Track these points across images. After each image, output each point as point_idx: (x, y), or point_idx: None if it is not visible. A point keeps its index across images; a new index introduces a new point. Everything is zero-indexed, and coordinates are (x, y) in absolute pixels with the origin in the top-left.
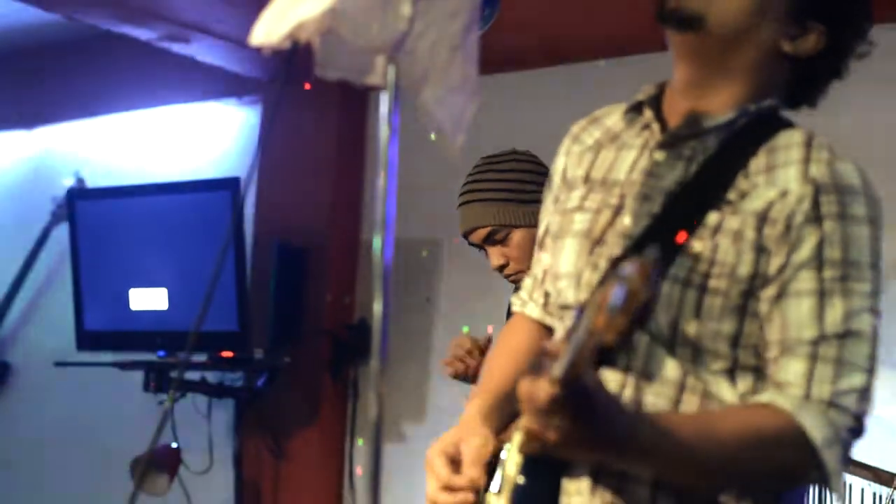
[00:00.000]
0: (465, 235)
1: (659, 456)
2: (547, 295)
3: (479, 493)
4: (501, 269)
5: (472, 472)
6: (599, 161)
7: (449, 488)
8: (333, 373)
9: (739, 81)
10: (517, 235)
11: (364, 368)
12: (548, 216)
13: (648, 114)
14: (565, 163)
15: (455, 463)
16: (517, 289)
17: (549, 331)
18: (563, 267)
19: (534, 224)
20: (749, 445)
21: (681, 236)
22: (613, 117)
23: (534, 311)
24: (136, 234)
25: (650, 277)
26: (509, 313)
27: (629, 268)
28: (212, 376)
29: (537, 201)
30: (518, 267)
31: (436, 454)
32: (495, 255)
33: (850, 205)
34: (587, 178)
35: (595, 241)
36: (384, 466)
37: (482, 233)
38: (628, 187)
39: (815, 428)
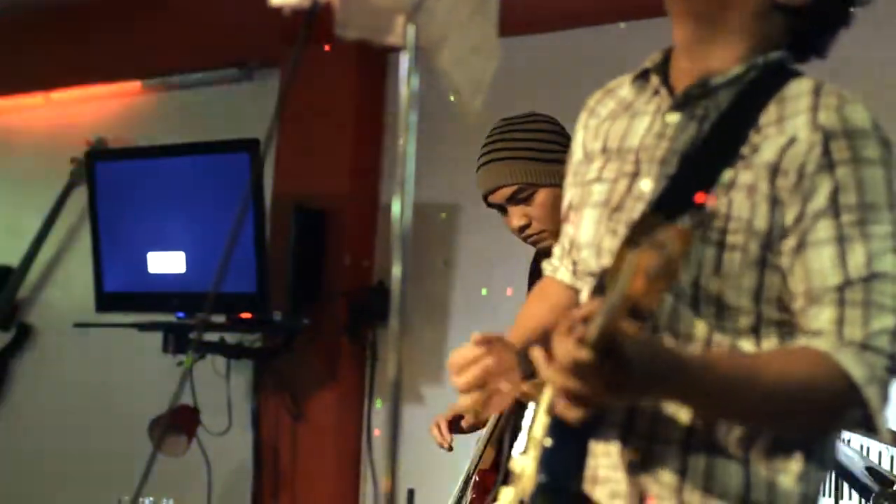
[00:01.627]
0: (486, 196)
1: (701, 395)
2: (575, 263)
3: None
4: (523, 229)
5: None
6: (614, 131)
7: (467, 363)
8: (352, 335)
9: (739, 37)
10: (541, 195)
11: (382, 331)
12: (569, 190)
13: (655, 80)
14: (583, 136)
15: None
16: (540, 252)
17: (579, 295)
18: (584, 237)
19: (556, 184)
20: (791, 383)
21: (700, 197)
22: (627, 87)
23: (565, 275)
24: (154, 195)
25: (690, 241)
26: (531, 279)
27: (669, 234)
28: (230, 338)
29: (559, 161)
30: (541, 227)
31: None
32: (517, 216)
33: (861, 148)
34: (604, 149)
35: (613, 209)
36: (402, 428)
37: (506, 192)
38: (643, 152)
39: (855, 367)
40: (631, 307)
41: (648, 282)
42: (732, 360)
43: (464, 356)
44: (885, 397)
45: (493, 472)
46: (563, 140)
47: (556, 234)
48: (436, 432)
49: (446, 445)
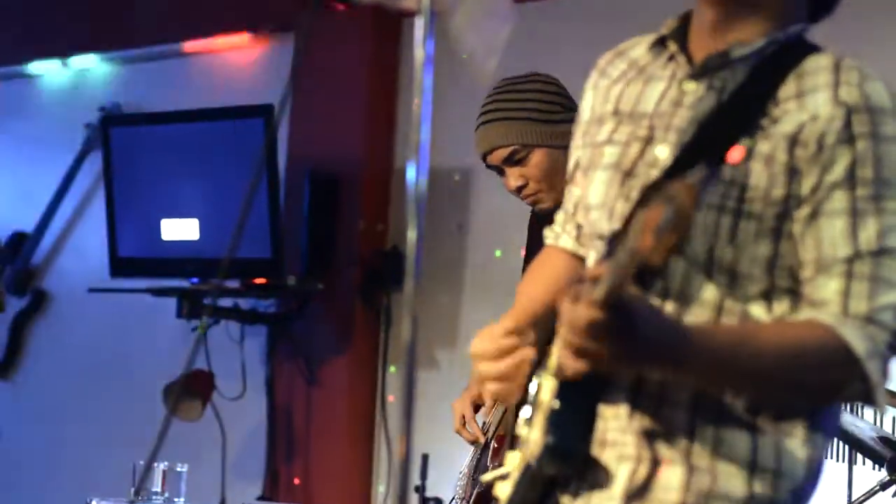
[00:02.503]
0: (484, 156)
1: (703, 366)
2: (579, 227)
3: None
4: (520, 190)
5: (512, 329)
6: (627, 94)
7: (502, 354)
8: (366, 300)
9: (764, 15)
10: (537, 155)
11: (396, 295)
12: (577, 151)
13: (673, 46)
14: (593, 97)
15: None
16: (540, 216)
17: (582, 261)
18: (594, 199)
19: (554, 144)
20: (793, 355)
21: (731, 154)
22: (639, 49)
23: (567, 242)
24: (169, 161)
25: (698, 196)
26: (530, 239)
27: (676, 188)
28: (244, 303)
29: (557, 122)
30: (537, 187)
31: (479, 341)
32: (514, 177)
33: (881, 124)
34: (616, 112)
35: (626, 174)
36: (416, 393)
37: (503, 153)
38: (657, 119)
39: (858, 341)
40: (640, 264)
41: (657, 237)
42: (734, 332)
43: (498, 346)
44: (885, 372)
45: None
46: (562, 101)
47: (552, 194)
48: (466, 433)
49: (482, 440)
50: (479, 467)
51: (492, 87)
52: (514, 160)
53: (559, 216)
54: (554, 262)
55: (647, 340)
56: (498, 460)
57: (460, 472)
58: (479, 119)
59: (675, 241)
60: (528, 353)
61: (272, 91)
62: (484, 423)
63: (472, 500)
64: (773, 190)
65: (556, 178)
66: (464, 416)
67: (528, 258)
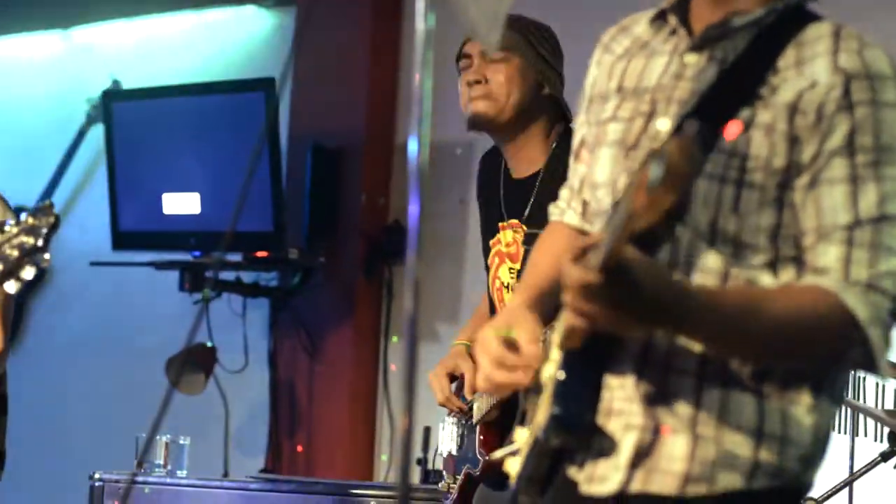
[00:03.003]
0: (464, 44)
1: (706, 325)
2: (585, 203)
3: (536, 372)
4: (475, 83)
5: (530, 349)
6: (630, 70)
7: (504, 366)
8: (368, 273)
9: None
10: (511, 66)
11: (398, 268)
12: (583, 127)
13: (673, 20)
14: (596, 73)
15: (510, 345)
16: (484, 163)
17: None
18: (600, 176)
19: (530, 72)
20: (796, 318)
21: (726, 127)
22: (641, 25)
23: (573, 218)
24: (170, 135)
25: (690, 151)
26: (480, 188)
27: (667, 146)
28: (246, 276)
29: (545, 60)
30: (488, 90)
31: (490, 335)
32: (478, 72)
33: (880, 91)
34: (619, 88)
35: (629, 149)
36: (418, 366)
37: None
38: (659, 92)
39: (859, 306)
40: (636, 225)
41: (649, 195)
42: (738, 294)
43: (504, 356)
44: (887, 338)
45: (497, 429)
46: (556, 55)
47: (496, 104)
48: (452, 404)
49: (465, 409)
50: (468, 444)
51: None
52: (490, 57)
53: (564, 192)
54: (559, 237)
55: (649, 299)
56: (487, 450)
57: (439, 449)
58: None
59: (670, 198)
60: (524, 379)
61: (274, 64)
62: (468, 401)
63: (461, 482)
64: (774, 159)
65: (510, 93)
66: (448, 396)
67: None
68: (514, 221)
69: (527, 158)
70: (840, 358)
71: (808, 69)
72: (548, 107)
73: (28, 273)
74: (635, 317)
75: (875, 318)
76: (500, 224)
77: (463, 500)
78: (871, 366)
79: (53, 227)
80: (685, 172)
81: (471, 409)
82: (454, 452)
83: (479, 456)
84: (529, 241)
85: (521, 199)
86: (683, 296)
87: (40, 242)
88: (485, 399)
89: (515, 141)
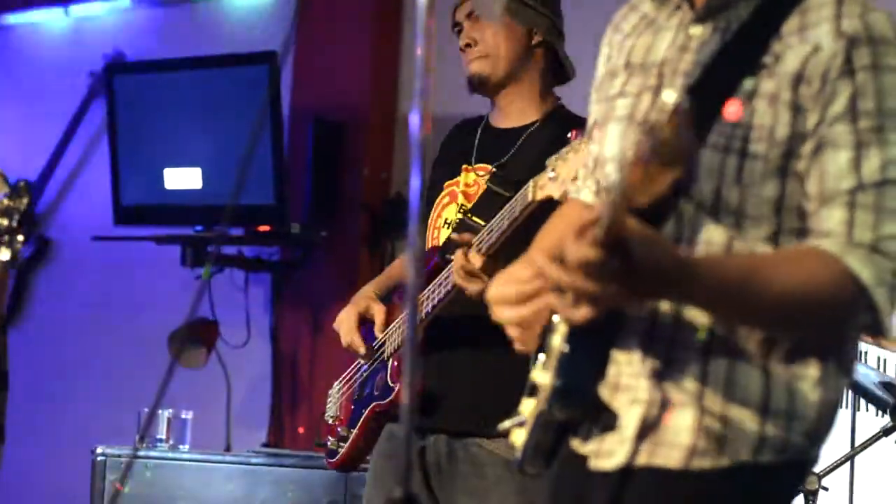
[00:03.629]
0: (455, 13)
1: (710, 295)
2: (598, 182)
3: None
4: (466, 47)
5: (534, 273)
6: (638, 46)
7: (522, 300)
8: (370, 247)
9: None
10: (502, 29)
11: (400, 243)
12: (593, 107)
13: None
14: (607, 52)
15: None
16: (451, 135)
17: None
18: (608, 151)
19: (521, 25)
20: (801, 283)
21: (725, 107)
22: (647, 2)
23: (588, 196)
24: (173, 108)
25: (679, 123)
26: (444, 153)
27: (660, 118)
28: (249, 251)
29: (535, 11)
30: (481, 50)
31: (499, 283)
32: (467, 36)
33: (882, 55)
34: (627, 64)
35: (638, 124)
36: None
37: (471, 5)
38: (665, 66)
39: (864, 269)
40: (633, 200)
41: (644, 169)
42: (744, 261)
43: (519, 291)
44: (892, 301)
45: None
46: (551, 7)
47: (491, 63)
48: (358, 344)
49: (363, 352)
50: (371, 385)
51: None
52: (473, 18)
53: (580, 171)
54: (575, 209)
55: (650, 273)
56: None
57: (336, 389)
58: None
59: (668, 173)
60: (551, 299)
61: (276, 38)
62: (376, 339)
63: (364, 419)
64: (778, 128)
65: (501, 48)
66: (353, 338)
67: (437, 171)
68: (483, 166)
69: (517, 109)
70: (846, 321)
71: (812, 34)
72: (542, 55)
73: (3, 255)
74: (637, 289)
75: (880, 280)
76: (465, 166)
77: (366, 436)
78: (878, 329)
79: (28, 208)
80: (679, 147)
81: (380, 346)
82: (355, 391)
83: (390, 384)
84: (495, 181)
85: (499, 147)
86: (685, 267)
87: (14, 224)
88: (398, 333)
89: (507, 92)
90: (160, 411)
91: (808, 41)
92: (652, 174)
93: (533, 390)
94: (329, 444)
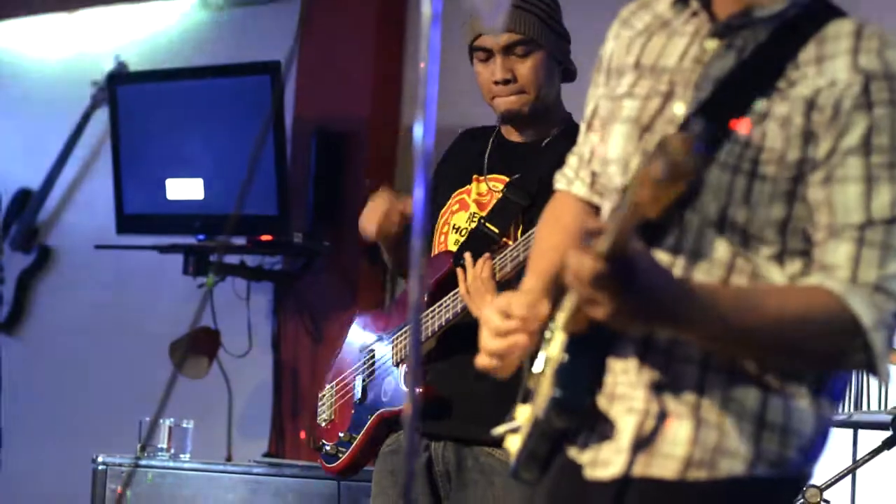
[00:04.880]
0: (478, 36)
1: (704, 323)
2: (594, 175)
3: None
4: (505, 83)
5: (523, 310)
6: (650, 47)
7: (499, 334)
8: (372, 257)
9: None
10: (537, 58)
11: None
12: (595, 96)
13: (695, 3)
14: (613, 47)
15: (507, 315)
16: (465, 133)
17: (596, 210)
18: (612, 152)
19: (552, 57)
20: (797, 320)
21: (736, 123)
22: (663, 3)
23: (580, 189)
24: (175, 118)
25: (692, 149)
26: (452, 155)
27: (671, 140)
28: (251, 260)
29: (559, 34)
30: (520, 87)
31: (490, 310)
32: (504, 68)
33: None
34: (637, 64)
35: (644, 128)
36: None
37: (509, 38)
38: (678, 75)
39: (864, 311)
40: (640, 218)
41: (653, 189)
42: (741, 292)
43: (498, 326)
44: (890, 342)
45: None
46: (558, 14)
47: (528, 98)
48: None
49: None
50: (377, 390)
51: None
52: (514, 52)
53: (572, 160)
54: (568, 213)
55: (648, 294)
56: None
57: (328, 391)
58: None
59: (674, 193)
60: (522, 340)
61: (279, 48)
62: (370, 344)
63: (370, 426)
64: (789, 152)
65: (540, 85)
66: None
67: (440, 177)
68: (497, 177)
69: (533, 125)
70: (841, 360)
71: (828, 67)
72: (560, 75)
73: None
74: (632, 309)
75: (879, 323)
76: (476, 176)
77: (371, 442)
78: (872, 370)
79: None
80: (689, 169)
81: (373, 352)
82: (332, 418)
83: (403, 389)
84: (512, 190)
85: (515, 159)
86: (682, 292)
87: None
88: (403, 339)
89: (535, 116)
90: (162, 420)
91: (823, 74)
92: (659, 193)
93: (527, 396)
94: (327, 448)
